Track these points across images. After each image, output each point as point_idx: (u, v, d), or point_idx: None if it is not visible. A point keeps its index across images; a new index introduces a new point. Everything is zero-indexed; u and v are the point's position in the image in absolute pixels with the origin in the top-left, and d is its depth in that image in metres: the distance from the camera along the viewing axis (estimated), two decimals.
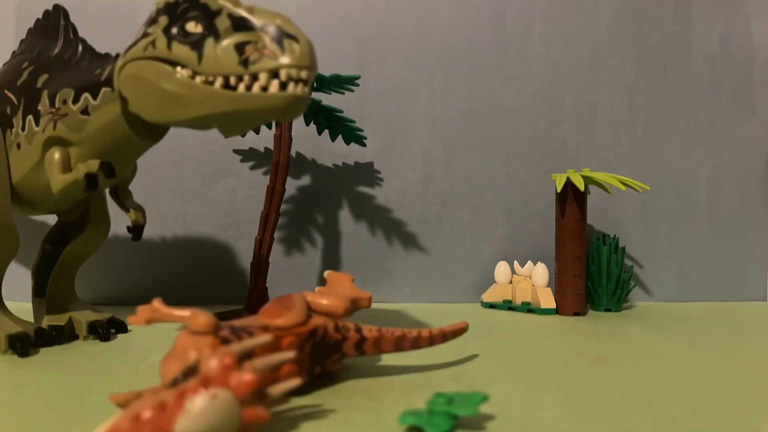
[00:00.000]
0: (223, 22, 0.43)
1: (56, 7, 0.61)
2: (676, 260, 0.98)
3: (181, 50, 0.44)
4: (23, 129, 0.56)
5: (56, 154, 0.54)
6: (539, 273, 0.84)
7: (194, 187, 0.89)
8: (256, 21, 0.42)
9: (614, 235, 0.91)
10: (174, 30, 0.45)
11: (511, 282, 0.87)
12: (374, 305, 0.88)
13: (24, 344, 0.53)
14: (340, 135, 0.87)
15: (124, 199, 0.62)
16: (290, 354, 0.36)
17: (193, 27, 0.44)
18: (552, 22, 0.97)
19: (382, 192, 0.93)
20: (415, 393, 0.43)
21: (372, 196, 0.93)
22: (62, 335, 0.59)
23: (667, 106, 0.99)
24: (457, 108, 0.95)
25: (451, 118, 0.94)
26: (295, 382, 0.36)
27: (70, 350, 0.56)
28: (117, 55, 0.56)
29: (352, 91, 0.80)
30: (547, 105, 0.96)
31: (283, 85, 0.42)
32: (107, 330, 0.61)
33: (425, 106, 0.94)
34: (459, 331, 0.52)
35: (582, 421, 0.38)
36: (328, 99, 0.88)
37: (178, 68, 0.44)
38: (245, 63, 0.42)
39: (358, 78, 0.77)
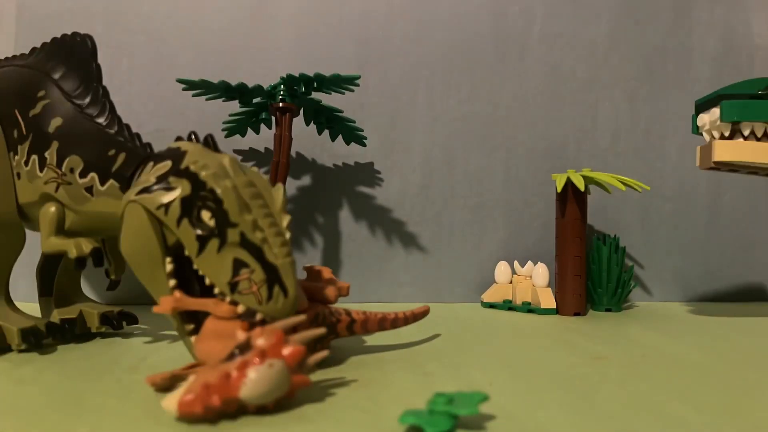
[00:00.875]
0: (233, 235, 0.44)
1: (87, 37, 0.58)
2: (677, 260, 0.98)
3: (187, 232, 0.44)
4: (27, 164, 0.55)
5: (52, 209, 0.54)
6: (539, 273, 0.84)
7: None
8: (265, 252, 0.44)
9: (614, 235, 0.91)
10: (191, 209, 0.44)
11: (511, 282, 0.87)
12: (375, 305, 0.88)
13: (37, 337, 0.54)
14: (340, 135, 0.87)
15: (111, 251, 0.62)
16: (321, 330, 0.42)
17: (208, 218, 0.44)
18: (552, 21, 0.97)
19: (382, 192, 0.93)
20: (415, 393, 0.43)
21: (372, 196, 0.93)
22: (74, 328, 0.59)
23: (667, 106, 0.99)
24: (457, 108, 0.95)
25: (451, 118, 0.94)
26: (324, 353, 0.42)
27: (70, 350, 0.56)
28: (129, 130, 0.54)
29: (352, 91, 0.80)
30: (547, 105, 0.96)
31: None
32: (119, 320, 0.61)
33: (425, 106, 0.94)
34: (423, 314, 0.60)
35: (582, 421, 0.38)
36: (328, 99, 0.88)
37: (168, 259, 0.45)
38: (233, 286, 0.43)
39: (358, 78, 0.77)
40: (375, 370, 0.50)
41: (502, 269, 0.87)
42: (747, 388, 0.46)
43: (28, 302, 0.77)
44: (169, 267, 0.46)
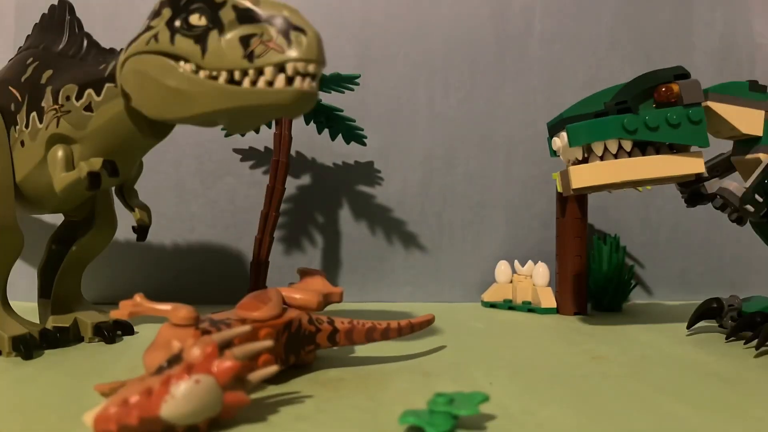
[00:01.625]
0: (227, 14, 0.42)
1: (62, 2, 0.60)
2: (677, 259, 0.98)
3: (184, 44, 0.43)
4: (27, 126, 0.55)
5: (59, 152, 0.53)
6: (540, 272, 0.84)
7: (194, 187, 0.89)
8: (262, 12, 0.41)
9: (615, 235, 0.91)
10: (177, 22, 0.43)
11: (511, 281, 0.87)
12: (374, 305, 0.88)
13: (28, 346, 0.53)
14: (340, 134, 0.87)
15: (129, 198, 0.61)
16: (268, 343, 0.38)
17: (197, 19, 0.43)
18: (552, 20, 0.96)
19: (383, 191, 0.93)
20: (415, 393, 0.43)
21: (372, 195, 0.93)
22: (67, 336, 0.58)
23: None
24: (457, 107, 0.94)
25: (452, 117, 0.94)
26: (272, 369, 0.38)
27: (69, 350, 0.56)
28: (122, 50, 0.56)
29: (352, 90, 0.80)
30: (547, 104, 0.96)
31: (289, 80, 0.41)
32: (113, 332, 0.60)
33: (425, 105, 0.94)
34: (426, 323, 0.54)
35: (582, 421, 0.38)
36: (328, 98, 0.87)
37: (181, 63, 0.43)
38: (250, 56, 0.40)
39: (358, 77, 0.77)
40: (375, 369, 0.50)
41: (502, 269, 0.87)
42: (747, 388, 0.46)
43: (24, 302, 0.77)
44: (185, 66, 0.43)
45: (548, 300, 0.82)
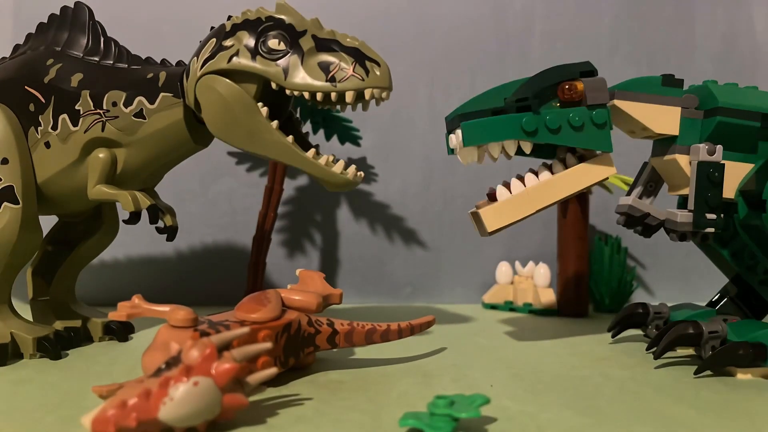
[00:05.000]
0: (307, 42, 0.48)
1: (79, 4, 0.59)
2: (679, 261, 0.98)
3: (266, 65, 0.48)
4: (55, 128, 0.54)
5: (101, 155, 0.53)
6: (541, 273, 0.83)
7: (192, 187, 0.89)
8: (340, 40, 0.49)
9: (616, 236, 0.90)
10: (256, 45, 0.49)
11: (512, 282, 0.86)
12: (374, 305, 0.88)
13: (55, 346, 0.52)
14: (336, 134, 0.86)
15: (153, 199, 0.61)
16: (267, 345, 0.38)
17: (276, 44, 0.48)
18: (553, 19, 0.96)
19: (382, 191, 0.92)
20: (415, 395, 0.43)
21: (372, 195, 0.92)
22: (79, 337, 0.58)
23: None
24: (457, 106, 0.94)
25: None
26: (271, 371, 0.38)
27: (67, 352, 0.55)
28: (162, 61, 0.57)
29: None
30: None
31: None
32: (124, 330, 0.60)
33: (426, 104, 0.93)
34: (426, 325, 0.54)
35: (584, 423, 0.38)
36: None
37: (264, 108, 0.49)
38: (332, 81, 0.47)
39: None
40: (375, 371, 0.49)
41: (503, 270, 0.87)
42: (749, 389, 0.46)
43: None
44: (264, 111, 0.49)
45: (549, 301, 0.81)
